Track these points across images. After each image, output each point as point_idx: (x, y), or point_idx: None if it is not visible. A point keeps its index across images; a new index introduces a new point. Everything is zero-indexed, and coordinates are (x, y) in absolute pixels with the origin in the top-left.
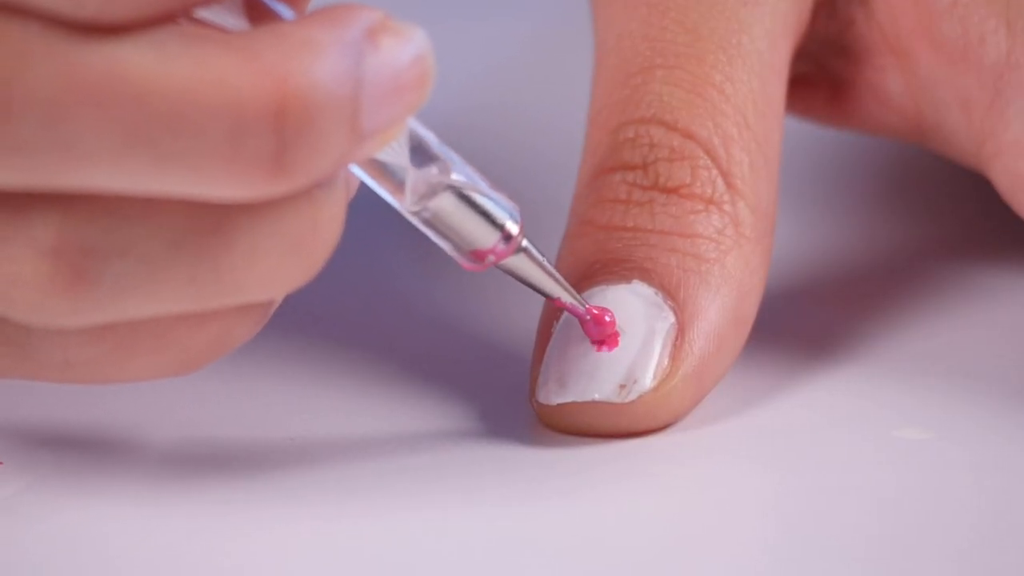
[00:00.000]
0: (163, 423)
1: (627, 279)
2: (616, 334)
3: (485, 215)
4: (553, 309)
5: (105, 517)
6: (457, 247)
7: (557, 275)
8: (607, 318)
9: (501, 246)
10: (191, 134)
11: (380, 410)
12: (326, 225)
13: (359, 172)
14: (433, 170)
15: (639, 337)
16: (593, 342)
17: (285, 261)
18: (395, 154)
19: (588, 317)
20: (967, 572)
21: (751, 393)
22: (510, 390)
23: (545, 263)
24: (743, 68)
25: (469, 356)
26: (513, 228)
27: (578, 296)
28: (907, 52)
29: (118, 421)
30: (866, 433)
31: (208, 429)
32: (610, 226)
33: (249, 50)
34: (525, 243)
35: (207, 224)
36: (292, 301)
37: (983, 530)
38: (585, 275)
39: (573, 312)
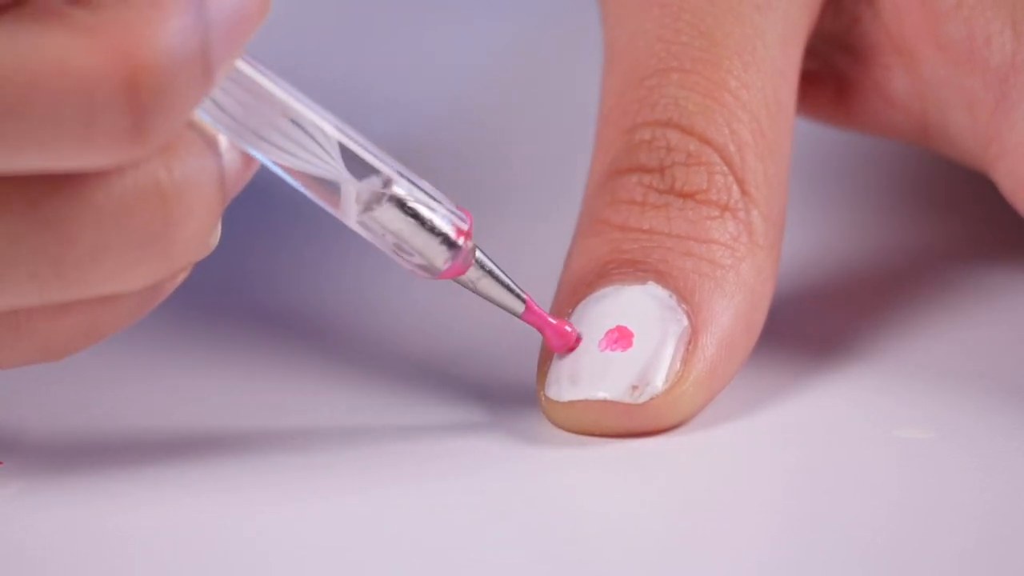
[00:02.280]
0: (163, 423)
1: (642, 280)
2: (629, 334)
3: (431, 228)
4: (562, 307)
5: (105, 517)
6: (406, 259)
7: (514, 285)
8: (567, 328)
9: (451, 257)
10: (40, 119)
11: (386, 406)
12: (182, 223)
13: (299, 186)
14: (376, 181)
15: (653, 339)
16: (554, 351)
17: (134, 258)
18: (333, 168)
19: (553, 322)
20: (969, 572)
21: (754, 393)
22: (516, 388)
23: (501, 274)
24: (758, 74)
25: (475, 352)
26: (461, 240)
27: (537, 305)
28: (912, 52)
29: (118, 421)
30: (868, 433)
31: (211, 428)
32: (626, 227)
33: (93, 28)
34: (478, 254)
35: (47, 220)
36: (298, 299)
37: (985, 530)
38: (599, 273)
39: (535, 322)
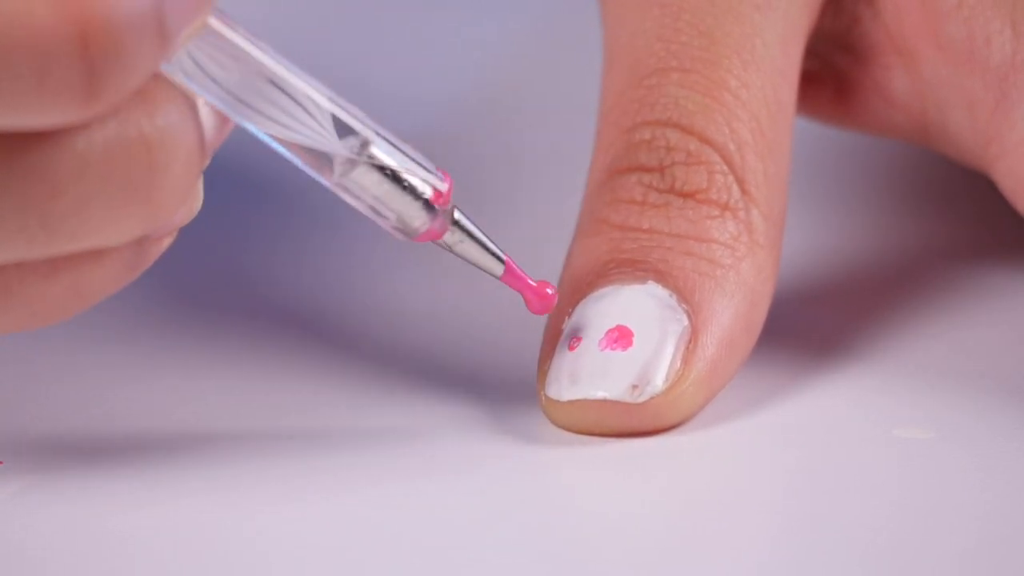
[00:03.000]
0: (163, 422)
1: (642, 280)
2: (629, 334)
3: (410, 189)
4: (563, 306)
5: (105, 517)
6: (386, 220)
7: (494, 247)
8: (548, 291)
9: (430, 218)
10: None
11: (386, 405)
12: (165, 170)
13: (279, 147)
14: (354, 142)
15: (653, 338)
16: (533, 312)
17: (121, 209)
18: (326, 140)
19: (533, 283)
20: (969, 572)
21: (754, 393)
22: (516, 387)
23: (481, 236)
24: (757, 73)
25: (475, 352)
26: (439, 201)
27: (518, 267)
28: (912, 52)
29: (118, 420)
30: (868, 433)
31: (210, 428)
32: (625, 226)
33: None
34: (457, 215)
35: (31, 171)
36: (297, 299)
37: (986, 530)
38: (599, 273)
39: (517, 285)
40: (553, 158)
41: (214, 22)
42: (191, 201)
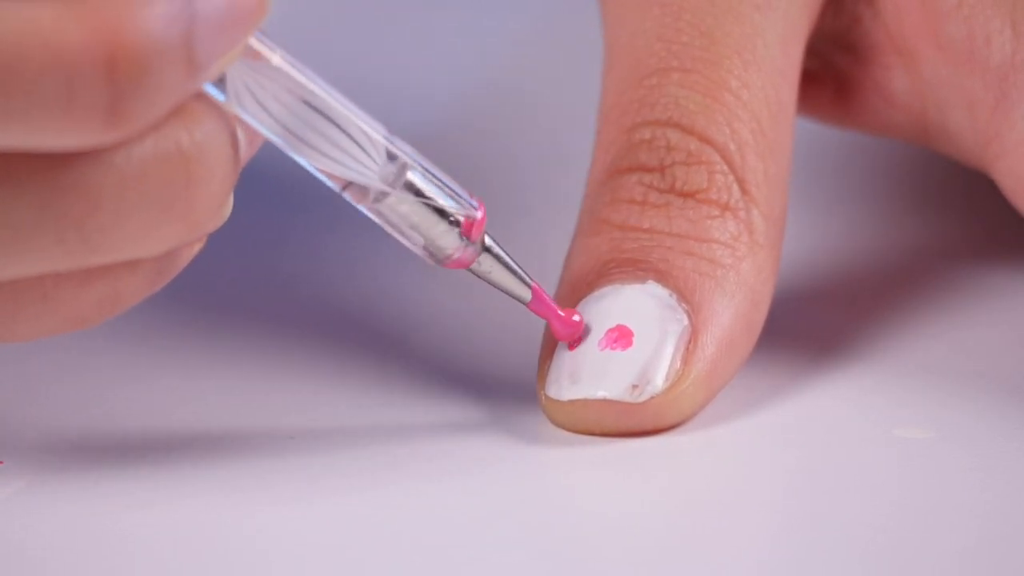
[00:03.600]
0: (163, 423)
1: (642, 279)
2: (629, 333)
3: (444, 215)
4: (563, 305)
5: (105, 517)
6: (418, 245)
7: (523, 273)
8: (575, 318)
9: (463, 246)
10: (22, 91)
11: (386, 405)
12: (203, 184)
13: (311, 168)
14: (391, 167)
15: (653, 338)
16: (560, 339)
17: (158, 220)
18: (373, 174)
19: (561, 313)
20: (969, 572)
21: (754, 393)
22: (516, 387)
23: (511, 262)
24: (758, 74)
25: (475, 352)
26: (472, 228)
27: (546, 294)
28: (913, 52)
29: (118, 421)
30: (868, 433)
31: (210, 428)
32: (626, 226)
33: (78, 3)
34: (488, 242)
35: (71, 185)
36: (298, 299)
37: (985, 530)
38: (600, 273)
39: (544, 312)
40: (553, 158)
41: (276, 58)
42: (223, 208)
